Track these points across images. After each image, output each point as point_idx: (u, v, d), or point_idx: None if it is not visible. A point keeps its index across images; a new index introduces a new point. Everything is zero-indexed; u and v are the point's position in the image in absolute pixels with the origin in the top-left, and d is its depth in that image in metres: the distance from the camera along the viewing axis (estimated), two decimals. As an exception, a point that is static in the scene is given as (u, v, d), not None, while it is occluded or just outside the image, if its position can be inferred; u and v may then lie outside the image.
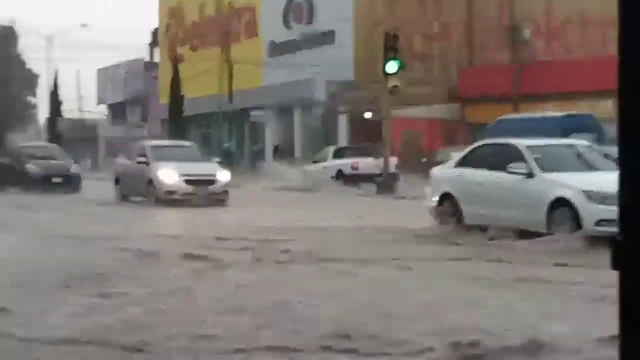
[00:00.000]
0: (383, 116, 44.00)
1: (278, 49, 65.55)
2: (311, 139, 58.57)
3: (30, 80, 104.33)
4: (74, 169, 39.00)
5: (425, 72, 55.52)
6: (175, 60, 64.02)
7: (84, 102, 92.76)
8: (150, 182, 29.65)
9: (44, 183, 35.94)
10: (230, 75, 58.80)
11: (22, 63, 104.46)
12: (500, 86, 50.75)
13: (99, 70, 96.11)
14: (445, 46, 59.37)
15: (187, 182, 29.30)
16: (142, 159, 30.81)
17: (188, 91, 62.37)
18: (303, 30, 63.61)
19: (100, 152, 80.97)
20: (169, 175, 29.45)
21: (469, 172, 19.61)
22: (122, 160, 34.75)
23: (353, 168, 43.16)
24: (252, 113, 64.39)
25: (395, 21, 53.98)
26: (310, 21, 63.07)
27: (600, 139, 35.95)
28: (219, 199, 29.68)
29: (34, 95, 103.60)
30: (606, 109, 44.18)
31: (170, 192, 29.18)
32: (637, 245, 4.17)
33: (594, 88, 43.74)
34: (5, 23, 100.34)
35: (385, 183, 39.34)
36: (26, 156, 38.72)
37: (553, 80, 49.94)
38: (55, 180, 36.78)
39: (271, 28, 66.12)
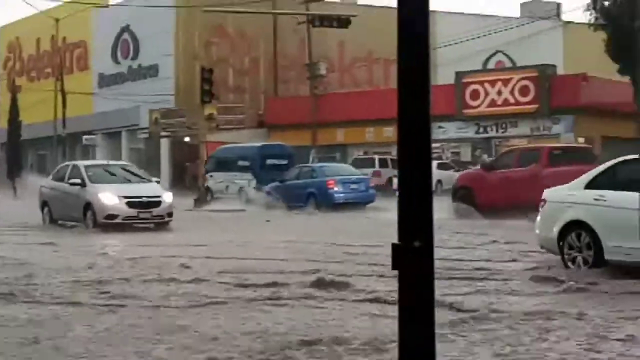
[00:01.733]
0: (199, 140, 44.24)
1: (107, 80, 64.75)
2: (137, 160, 58.19)
3: None
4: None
5: (237, 102, 55.82)
6: (14, 90, 62.41)
7: None
8: (88, 205, 23.85)
9: None
10: (64, 104, 57.66)
11: None
12: (300, 114, 51.46)
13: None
14: (254, 80, 59.90)
15: (129, 204, 23.56)
16: (77, 180, 24.65)
17: (26, 117, 60.85)
18: (129, 64, 63.10)
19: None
20: (109, 197, 23.64)
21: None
22: (49, 182, 27.20)
23: None
24: (84, 137, 63.56)
25: (210, 57, 54.20)
26: (135, 56, 62.57)
27: (290, 162, 38.84)
28: (163, 222, 24.23)
29: None
30: (389, 134, 45.64)
31: (112, 216, 23.40)
32: (410, 248, 4.27)
33: (379, 116, 44.50)
34: None
35: (200, 198, 39.48)
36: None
37: (345, 110, 50.96)
38: None
39: (101, 62, 65.32)
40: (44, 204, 26.54)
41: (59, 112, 58.60)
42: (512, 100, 47.36)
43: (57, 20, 60.25)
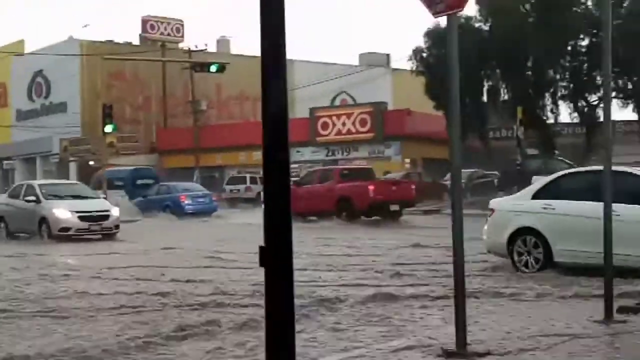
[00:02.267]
0: (102, 164, 44.19)
1: (23, 115, 63.22)
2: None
3: None
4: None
5: (133, 132, 55.65)
6: (-58, 123, 61.09)
7: None
8: (43, 219, 22.09)
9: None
10: (-13, 134, 56.71)
11: None
12: (186, 142, 51.43)
13: None
14: (147, 114, 59.67)
15: (81, 218, 21.79)
16: (32, 198, 22.79)
17: (-47, 146, 59.71)
18: (42, 102, 61.89)
19: None
20: (63, 212, 21.88)
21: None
22: (5, 199, 25.01)
23: None
24: (5, 162, 62.45)
25: (111, 95, 54.00)
26: (47, 95, 61.44)
27: (156, 182, 40.19)
28: (111, 233, 22.36)
29: None
30: (258, 157, 46.28)
31: (65, 229, 21.60)
32: (274, 248, 4.25)
33: (249, 143, 44.37)
34: None
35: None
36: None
37: (222, 138, 51.20)
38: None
39: (18, 99, 63.85)
40: (0, 219, 24.25)
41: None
42: (353, 130, 48.25)
43: (-21, 65, 59.11)
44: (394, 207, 27.46)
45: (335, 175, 30.11)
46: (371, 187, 27.87)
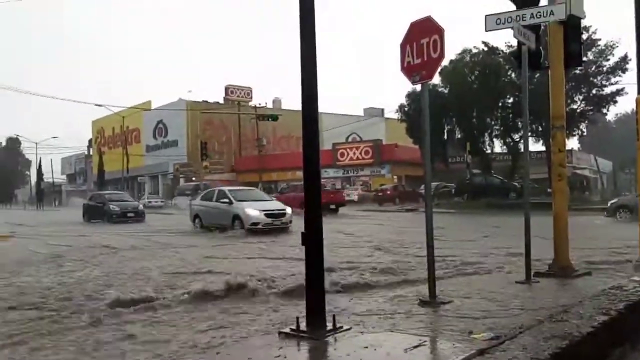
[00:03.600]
0: (201, 179, 42.97)
1: (151, 148, 62.84)
2: (169, 191, 56.58)
3: (27, 163, 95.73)
4: (140, 207, 26.94)
5: (219, 159, 54.77)
6: (100, 154, 60.23)
7: (54, 174, 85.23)
8: (236, 216, 18.17)
9: (121, 217, 24.76)
10: (127, 161, 55.63)
11: (23, 155, 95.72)
12: (253, 165, 50.46)
13: (62, 158, 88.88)
14: (228, 147, 58.73)
15: (267, 215, 17.90)
16: (225, 200, 18.79)
17: (106, 168, 58.86)
18: (162, 139, 61.51)
19: (63, 198, 74.49)
20: (253, 211, 17.94)
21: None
22: (199, 201, 20.58)
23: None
24: (139, 178, 61.44)
25: (205, 135, 53.29)
26: (166, 135, 61.04)
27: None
28: (286, 227, 18.05)
29: (29, 170, 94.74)
30: (299, 174, 44.93)
31: (255, 224, 17.63)
32: (310, 232, 4.24)
33: (294, 166, 44.00)
34: (14, 136, 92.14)
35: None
36: (108, 200, 26.53)
37: (277, 162, 50.31)
38: (129, 215, 25.17)
39: (147, 138, 63.56)
40: (195, 216, 20.42)
41: (124, 165, 56.45)
42: (360, 157, 47.27)
43: (123, 117, 58.09)
44: (332, 206, 28.71)
45: (297, 188, 31.21)
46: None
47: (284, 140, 62.21)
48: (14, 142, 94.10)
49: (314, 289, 4.26)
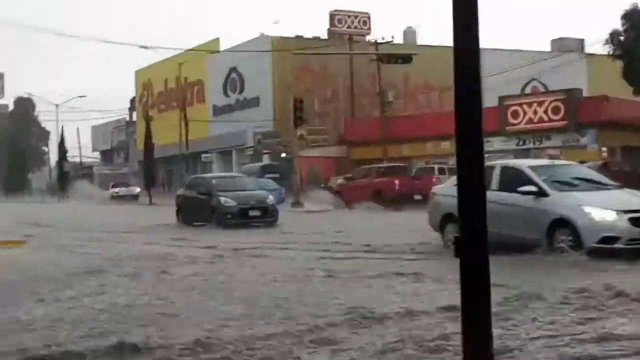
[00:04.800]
0: (293, 155, 44.38)
1: (219, 110, 65.37)
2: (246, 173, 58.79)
3: (44, 135, 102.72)
4: (270, 200, 24.75)
5: (322, 125, 55.90)
6: (147, 120, 63.36)
7: (83, 150, 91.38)
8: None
9: (240, 217, 23.18)
10: (186, 129, 58.53)
11: (38, 123, 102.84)
12: (373, 134, 51.18)
13: (93, 127, 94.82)
14: (335, 106, 59.80)
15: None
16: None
17: (157, 141, 61.80)
18: (237, 97, 63.66)
19: (95, 184, 79.76)
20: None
21: None
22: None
23: None
24: (203, 155, 64.31)
25: (300, 89, 54.30)
26: (242, 91, 63.07)
27: (282, 176, 43.91)
28: None
29: (47, 146, 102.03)
30: (446, 147, 45.08)
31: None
32: (470, 241, 4.24)
33: (436, 134, 44.35)
34: (25, 96, 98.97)
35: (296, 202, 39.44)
36: (217, 189, 24.49)
37: (409, 129, 50.56)
38: (253, 213, 23.51)
39: (214, 96, 66.12)
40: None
41: (182, 136, 59.42)
42: (545, 118, 46.43)
43: (180, 64, 61.13)
44: (417, 197, 31.18)
45: (374, 171, 37.83)
46: (396, 182, 34.96)
47: (421, 93, 62.19)
48: (25, 105, 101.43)
49: (475, 331, 4.12)
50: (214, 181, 25.53)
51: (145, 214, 35.94)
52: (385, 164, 41.74)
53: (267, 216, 23.07)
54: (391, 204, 31.21)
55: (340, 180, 42.67)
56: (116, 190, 65.41)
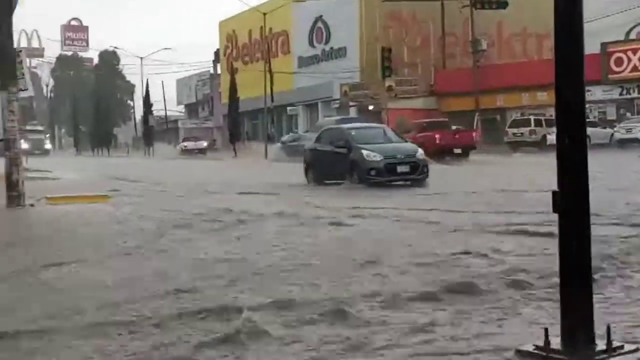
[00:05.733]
0: (382, 108, 43.83)
1: (305, 62, 65.28)
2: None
3: (129, 88, 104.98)
4: (420, 154, 21.23)
5: (411, 75, 55.13)
6: (232, 72, 63.70)
7: (167, 104, 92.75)
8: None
9: (388, 173, 20.25)
10: (271, 82, 58.45)
11: (123, 77, 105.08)
12: (465, 84, 50.29)
13: (178, 80, 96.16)
14: (425, 55, 58.78)
15: None
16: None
17: (241, 94, 62.21)
18: (323, 47, 63.40)
19: (180, 138, 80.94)
20: None
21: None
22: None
23: None
24: (289, 109, 64.44)
25: (388, 39, 53.65)
26: (328, 41, 62.79)
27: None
28: None
29: (132, 99, 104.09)
30: (543, 97, 43.90)
31: None
32: (569, 196, 4.19)
33: (533, 83, 43.58)
34: (110, 49, 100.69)
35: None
36: (357, 141, 21.30)
37: (503, 79, 49.50)
38: (400, 169, 20.45)
39: (299, 46, 65.92)
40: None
41: (267, 89, 59.41)
42: (652, 66, 45.00)
43: (264, 14, 60.86)
44: (457, 151, 35.38)
45: (417, 126, 38.45)
46: (437, 136, 35.87)
47: (516, 41, 60.63)
48: (109, 58, 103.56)
49: (573, 287, 4.27)
50: (353, 132, 22.30)
51: (239, 169, 35.39)
52: (427, 119, 41.84)
53: (416, 172, 20.30)
54: (433, 157, 30.28)
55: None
56: (185, 144, 67.38)
